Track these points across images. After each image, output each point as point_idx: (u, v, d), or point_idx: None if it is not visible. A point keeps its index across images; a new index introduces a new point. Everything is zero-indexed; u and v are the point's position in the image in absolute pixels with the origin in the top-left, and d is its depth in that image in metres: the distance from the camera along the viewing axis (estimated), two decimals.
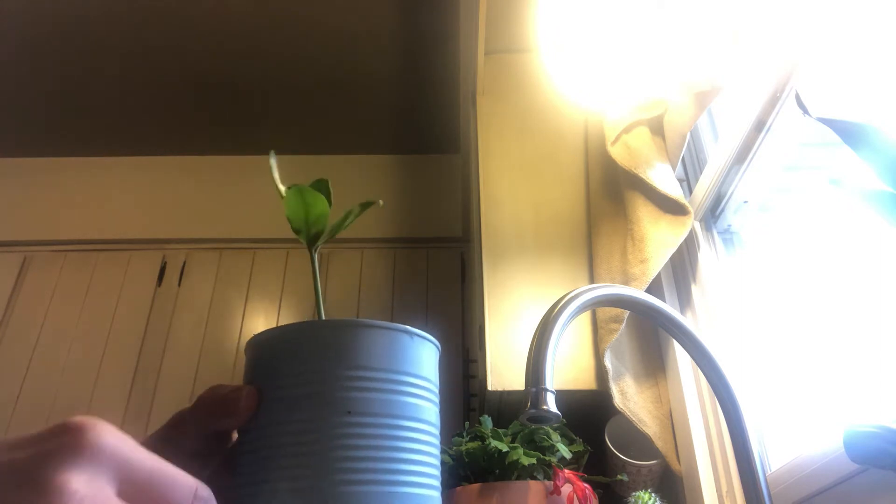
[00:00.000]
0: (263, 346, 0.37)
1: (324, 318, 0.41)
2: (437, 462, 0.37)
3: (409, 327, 0.37)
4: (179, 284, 2.50)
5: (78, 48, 2.24)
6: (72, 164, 2.72)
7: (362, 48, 2.28)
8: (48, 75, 2.34)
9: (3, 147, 2.68)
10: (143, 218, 2.63)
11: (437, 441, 0.38)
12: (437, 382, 0.39)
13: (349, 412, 0.34)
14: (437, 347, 0.40)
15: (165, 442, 0.35)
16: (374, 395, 0.35)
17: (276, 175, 0.43)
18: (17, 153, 2.70)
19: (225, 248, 2.58)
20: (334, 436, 0.33)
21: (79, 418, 0.25)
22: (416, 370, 0.37)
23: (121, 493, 0.25)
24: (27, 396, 2.25)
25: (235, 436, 0.37)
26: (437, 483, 0.36)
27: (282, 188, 0.42)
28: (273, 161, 0.43)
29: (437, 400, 0.39)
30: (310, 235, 0.41)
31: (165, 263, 2.54)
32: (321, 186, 0.41)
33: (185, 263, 2.54)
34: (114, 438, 0.25)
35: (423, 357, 0.38)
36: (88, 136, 2.65)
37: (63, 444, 0.24)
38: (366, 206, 0.43)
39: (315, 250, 0.42)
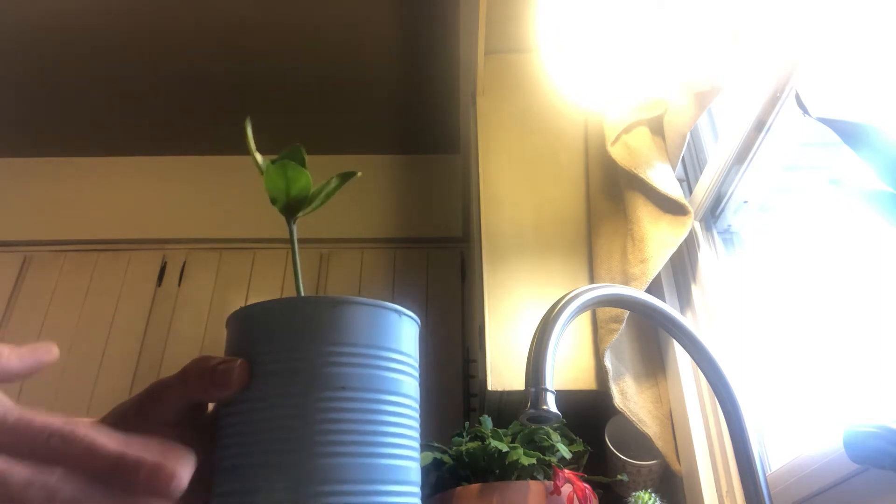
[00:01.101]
0: (248, 321, 0.38)
1: (302, 293, 0.41)
2: (416, 435, 0.38)
3: (392, 304, 0.38)
4: (179, 284, 2.50)
5: (78, 49, 2.24)
6: (72, 164, 2.72)
7: (362, 48, 2.28)
8: (48, 76, 2.34)
9: (3, 147, 2.68)
10: (143, 218, 2.62)
11: (416, 414, 0.38)
12: (417, 357, 0.40)
13: (343, 387, 0.34)
14: (418, 323, 0.41)
15: (139, 410, 0.35)
16: (357, 370, 0.35)
17: (252, 144, 0.43)
18: (17, 153, 2.70)
19: (225, 248, 2.58)
20: (317, 409, 0.34)
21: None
22: (399, 346, 0.38)
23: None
24: (27, 396, 2.25)
25: (210, 407, 0.37)
26: (416, 455, 0.37)
27: (258, 158, 0.42)
28: (249, 128, 0.44)
29: (416, 375, 0.39)
30: (288, 206, 0.41)
31: (165, 263, 2.54)
32: (295, 155, 0.40)
33: (185, 263, 2.54)
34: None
35: (404, 333, 0.39)
36: (88, 136, 2.65)
37: None
38: (346, 177, 0.43)
39: (293, 221, 0.41)
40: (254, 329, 0.37)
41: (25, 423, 0.29)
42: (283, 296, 2.47)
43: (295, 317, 0.36)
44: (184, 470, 0.29)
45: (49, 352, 0.34)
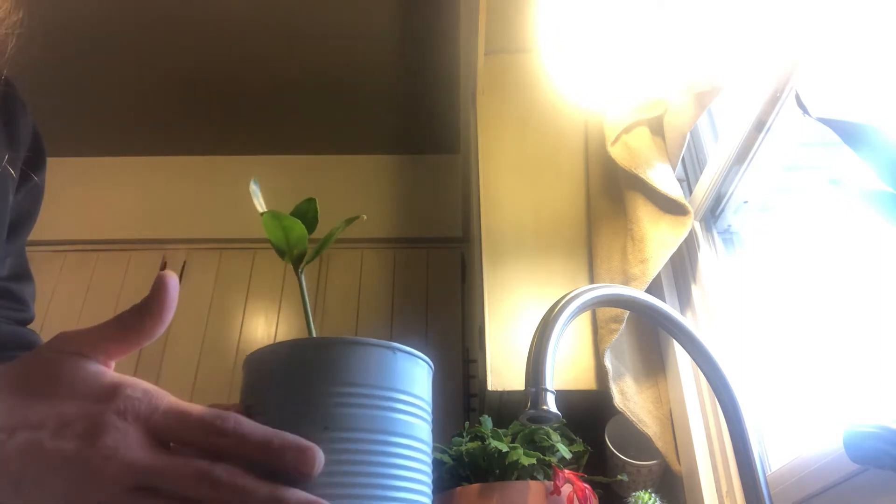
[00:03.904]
0: (256, 365, 0.38)
1: (314, 335, 0.41)
2: (426, 479, 0.37)
3: (394, 344, 0.37)
4: (179, 284, 2.50)
5: (77, 49, 2.24)
6: (72, 164, 2.72)
7: (362, 48, 2.27)
8: (46, 76, 2.34)
9: None
10: (143, 218, 2.62)
11: (427, 458, 0.38)
12: (429, 401, 0.39)
13: (326, 427, 0.34)
14: (430, 366, 0.40)
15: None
16: (355, 410, 0.35)
17: (258, 201, 0.44)
18: None
19: (225, 248, 2.58)
20: (323, 451, 0.33)
21: (109, 387, 0.33)
22: (402, 386, 0.37)
23: (149, 434, 0.32)
24: None
25: None
26: (425, 499, 0.36)
27: (260, 209, 0.43)
28: (255, 188, 0.45)
29: (426, 416, 0.38)
30: (293, 257, 0.42)
31: (165, 263, 2.54)
32: (309, 207, 0.42)
33: (185, 263, 2.54)
34: (135, 401, 0.33)
35: (406, 373, 0.38)
36: (88, 136, 2.65)
37: (100, 410, 0.32)
38: (350, 221, 0.44)
39: (301, 271, 0.43)
40: (257, 374, 0.38)
41: (179, 413, 0.32)
42: (283, 297, 2.47)
43: (291, 360, 0.37)
44: (320, 452, 0.32)
45: (167, 283, 0.37)
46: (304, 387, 0.35)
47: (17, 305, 0.66)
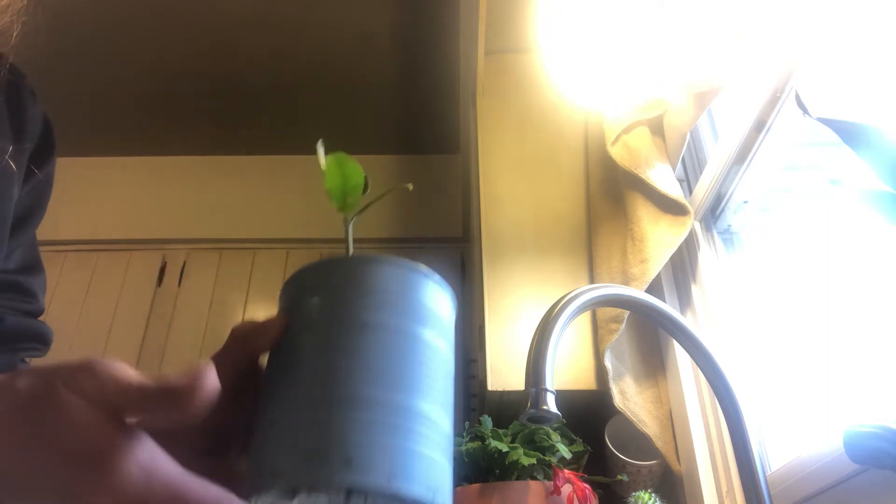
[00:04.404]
0: (293, 284, 0.40)
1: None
2: (449, 385, 0.38)
3: (425, 268, 0.40)
4: (179, 284, 2.50)
5: (76, 48, 2.24)
6: (72, 164, 2.71)
7: (363, 48, 2.27)
8: (46, 75, 2.34)
9: None
10: (143, 218, 2.62)
11: (448, 370, 0.38)
12: (452, 327, 0.40)
13: (364, 324, 0.35)
14: (453, 298, 0.41)
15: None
16: (387, 313, 0.37)
17: (321, 158, 0.46)
18: None
19: (225, 248, 2.58)
20: (348, 348, 0.35)
21: (77, 363, 0.32)
22: (429, 303, 0.39)
23: (117, 414, 0.30)
24: None
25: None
26: (445, 404, 0.37)
27: (322, 162, 0.44)
28: (321, 149, 0.45)
29: (450, 338, 0.40)
30: (346, 206, 0.44)
31: (165, 263, 2.54)
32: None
33: (185, 263, 2.54)
34: (103, 378, 0.31)
35: (433, 295, 0.39)
36: (88, 135, 2.64)
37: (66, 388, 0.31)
38: (391, 190, 0.46)
39: (350, 221, 0.44)
40: (294, 291, 0.40)
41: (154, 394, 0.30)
42: None
43: (326, 275, 0.39)
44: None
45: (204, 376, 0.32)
46: (340, 292, 0.37)
47: (25, 297, 0.66)
